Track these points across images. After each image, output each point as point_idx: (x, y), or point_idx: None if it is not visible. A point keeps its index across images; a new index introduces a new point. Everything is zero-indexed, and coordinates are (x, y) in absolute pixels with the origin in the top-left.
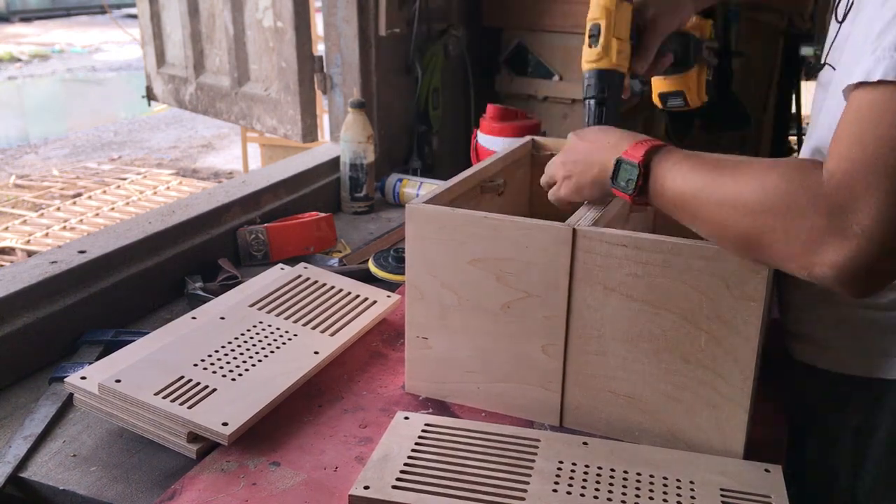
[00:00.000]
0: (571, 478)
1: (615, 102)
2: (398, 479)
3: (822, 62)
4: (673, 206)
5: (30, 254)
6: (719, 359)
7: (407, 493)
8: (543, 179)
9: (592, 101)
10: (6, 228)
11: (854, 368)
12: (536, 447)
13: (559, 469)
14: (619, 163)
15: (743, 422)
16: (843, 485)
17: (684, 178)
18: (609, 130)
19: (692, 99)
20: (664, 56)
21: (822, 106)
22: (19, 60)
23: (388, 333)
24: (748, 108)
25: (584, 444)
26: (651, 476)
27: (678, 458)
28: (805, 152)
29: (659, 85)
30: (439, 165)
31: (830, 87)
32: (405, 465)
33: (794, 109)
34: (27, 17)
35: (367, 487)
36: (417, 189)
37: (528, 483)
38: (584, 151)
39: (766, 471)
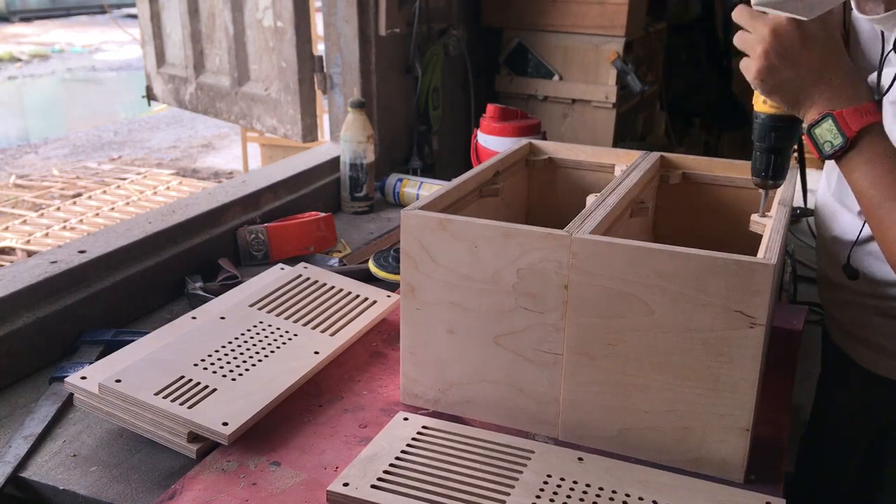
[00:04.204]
0: (555, 493)
1: (790, 149)
2: (379, 479)
3: None
4: (853, 190)
5: (30, 254)
6: (721, 376)
7: (384, 493)
8: (740, 38)
9: (765, 150)
10: (6, 228)
11: None
12: (528, 459)
13: (545, 483)
14: (827, 118)
15: (745, 440)
16: None
17: (870, 183)
18: (838, 61)
19: None
20: None
21: None
22: (19, 60)
23: (388, 333)
24: (748, 108)
25: (580, 459)
26: (640, 499)
27: (674, 483)
28: None
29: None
30: (439, 165)
31: None
32: (391, 465)
33: None
34: (27, 17)
35: (346, 484)
36: (417, 189)
37: (508, 494)
38: (805, 64)
39: (768, 503)
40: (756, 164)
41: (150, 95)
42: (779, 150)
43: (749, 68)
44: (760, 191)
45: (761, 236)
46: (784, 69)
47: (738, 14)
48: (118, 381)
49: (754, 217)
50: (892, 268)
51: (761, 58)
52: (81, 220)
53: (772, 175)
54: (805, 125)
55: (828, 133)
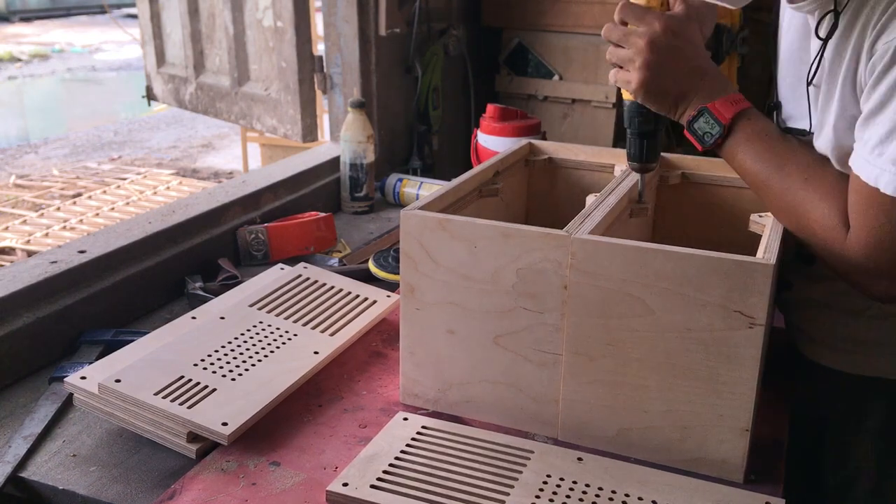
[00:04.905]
0: (555, 493)
1: (660, 132)
2: (378, 479)
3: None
4: (739, 172)
5: (30, 254)
6: (721, 376)
7: (384, 493)
8: (614, 53)
9: (636, 134)
10: (6, 228)
11: (877, 370)
12: (528, 459)
13: (545, 483)
14: (702, 112)
15: (745, 440)
16: (865, 486)
17: (753, 159)
18: (706, 63)
19: None
20: None
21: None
22: (19, 60)
23: (388, 333)
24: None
25: (579, 459)
26: (640, 499)
27: (674, 483)
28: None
29: None
30: (439, 165)
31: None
32: (390, 465)
33: None
34: (27, 16)
35: (345, 484)
36: (417, 189)
37: (508, 494)
38: (679, 71)
39: (768, 503)
40: (631, 150)
41: (150, 95)
42: (649, 134)
43: (629, 81)
44: (636, 175)
45: (761, 236)
46: (662, 79)
47: (623, 11)
48: (118, 381)
49: (754, 217)
50: (793, 232)
51: (641, 70)
52: (81, 220)
53: (646, 158)
54: (684, 122)
55: (705, 125)
